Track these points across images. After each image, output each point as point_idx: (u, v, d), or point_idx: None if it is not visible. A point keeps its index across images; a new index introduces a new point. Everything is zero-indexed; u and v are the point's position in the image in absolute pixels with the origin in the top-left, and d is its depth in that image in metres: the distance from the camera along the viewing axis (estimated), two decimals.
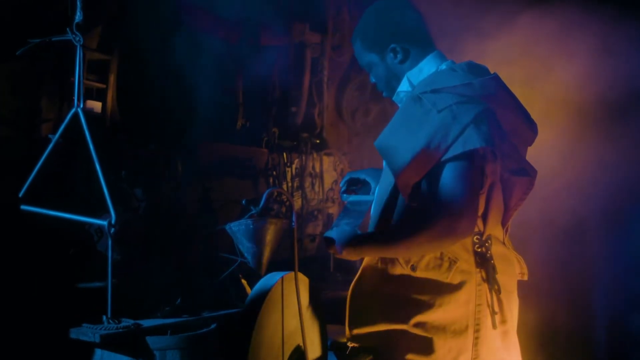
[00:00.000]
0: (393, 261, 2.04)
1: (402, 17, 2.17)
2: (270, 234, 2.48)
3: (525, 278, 2.23)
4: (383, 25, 2.16)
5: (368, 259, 2.10)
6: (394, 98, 2.22)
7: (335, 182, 5.16)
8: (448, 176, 1.87)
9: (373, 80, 2.26)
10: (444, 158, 1.88)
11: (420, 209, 1.93)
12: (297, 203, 4.87)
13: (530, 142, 2.17)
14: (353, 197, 2.43)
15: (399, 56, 2.15)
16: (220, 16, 4.33)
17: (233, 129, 4.58)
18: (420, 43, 2.15)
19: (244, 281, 2.83)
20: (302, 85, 5.02)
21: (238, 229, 2.49)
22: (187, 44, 3.86)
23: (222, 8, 4.27)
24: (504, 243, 2.14)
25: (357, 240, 2.01)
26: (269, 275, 2.54)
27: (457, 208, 1.84)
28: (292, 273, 2.39)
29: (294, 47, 4.94)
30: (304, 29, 4.92)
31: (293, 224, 2.31)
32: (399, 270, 2.05)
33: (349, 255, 2.04)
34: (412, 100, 1.96)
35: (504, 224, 2.15)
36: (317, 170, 5.06)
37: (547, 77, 3.87)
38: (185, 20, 4.03)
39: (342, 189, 2.48)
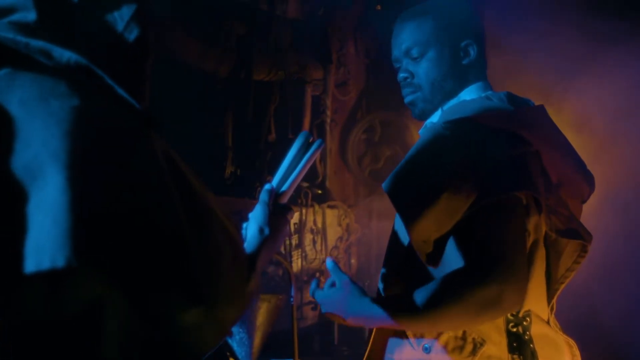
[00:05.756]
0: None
1: (484, 29, 2.07)
2: (261, 316, 2.21)
3: None
4: (470, 18, 2.04)
5: (374, 344, 1.95)
6: (420, 131, 2.03)
7: (340, 239, 5.08)
8: (489, 229, 1.70)
9: (404, 74, 2.01)
10: (475, 205, 1.70)
11: (451, 273, 1.73)
12: (296, 264, 4.79)
13: (585, 197, 2.00)
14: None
15: (471, 56, 1.99)
16: (206, 45, 4.31)
17: (221, 177, 4.55)
18: (484, 58, 2.02)
19: None
20: (301, 127, 4.95)
21: None
22: (167, 76, 3.79)
23: (209, 35, 4.30)
24: (548, 323, 1.92)
25: (368, 308, 1.84)
26: None
27: (509, 272, 1.65)
28: None
29: (293, 83, 4.91)
30: (304, 63, 4.92)
31: (292, 299, 2.00)
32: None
33: (355, 324, 1.92)
34: (432, 132, 1.84)
35: (549, 299, 1.94)
36: (319, 225, 4.98)
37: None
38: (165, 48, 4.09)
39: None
